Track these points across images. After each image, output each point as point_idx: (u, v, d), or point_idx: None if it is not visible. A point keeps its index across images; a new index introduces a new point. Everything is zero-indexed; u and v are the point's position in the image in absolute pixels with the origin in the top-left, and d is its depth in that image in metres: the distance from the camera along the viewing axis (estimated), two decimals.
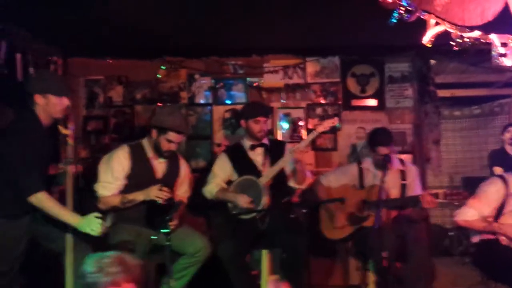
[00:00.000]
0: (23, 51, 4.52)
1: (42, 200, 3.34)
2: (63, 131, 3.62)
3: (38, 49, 4.75)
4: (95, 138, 5.36)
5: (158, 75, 5.39)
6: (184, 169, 4.18)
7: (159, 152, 3.93)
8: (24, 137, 3.40)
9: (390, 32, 3.62)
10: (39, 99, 3.46)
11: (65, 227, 3.50)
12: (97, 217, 3.38)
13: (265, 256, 3.84)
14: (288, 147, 4.34)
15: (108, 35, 4.63)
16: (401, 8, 3.35)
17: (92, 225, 3.36)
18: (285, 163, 4.15)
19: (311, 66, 5.41)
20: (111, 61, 5.32)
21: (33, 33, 4.54)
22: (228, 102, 5.44)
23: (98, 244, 3.72)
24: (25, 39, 4.52)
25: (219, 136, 5.40)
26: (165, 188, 3.80)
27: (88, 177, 4.04)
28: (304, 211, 3.89)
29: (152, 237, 3.58)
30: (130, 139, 4.16)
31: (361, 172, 4.30)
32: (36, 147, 3.46)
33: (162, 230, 3.38)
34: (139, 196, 3.82)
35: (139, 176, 3.92)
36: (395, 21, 3.38)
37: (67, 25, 4.33)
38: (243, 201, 4.08)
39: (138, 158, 3.94)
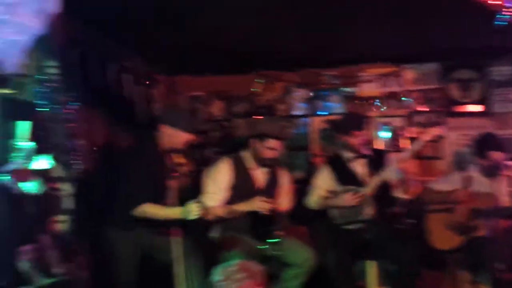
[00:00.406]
0: (131, 71, 4.80)
1: (148, 211, 3.55)
2: (179, 160, 3.78)
3: (144, 69, 5.03)
4: (198, 152, 5.56)
5: (255, 89, 5.51)
6: (285, 178, 4.24)
7: (259, 161, 4.02)
8: (145, 159, 3.60)
9: (493, 34, 3.49)
10: (165, 129, 3.66)
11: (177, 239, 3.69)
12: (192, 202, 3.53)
13: (371, 267, 3.79)
14: (391, 156, 4.28)
15: (207, 53, 4.82)
16: (506, 9, 3.23)
17: (193, 210, 3.51)
18: (389, 172, 4.09)
19: (409, 73, 5.30)
20: (211, 77, 5.52)
21: (140, 54, 4.82)
22: (324, 113, 5.45)
23: (208, 254, 3.87)
24: (132, 59, 4.81)
25: (316, 147, 5.42)
26: (266, 199, 3.88)
27: (191, 189, 4.21)
28: (411, 221, 3.81)
29: (259, 247, 3.64)
30: (231, 152, 4.28)
31: (467, 180, 4.14)
32: (152, 168, 3.67)
33: (270, 240, 3.45)
34: (242, 207, 3.93)
35: (241, 186, 4.02)
36: (500, 23, 3.26)
37: (171, 46, 4.56)
38: (349, 199, 4.05)
39: (239, 169, 4.05)
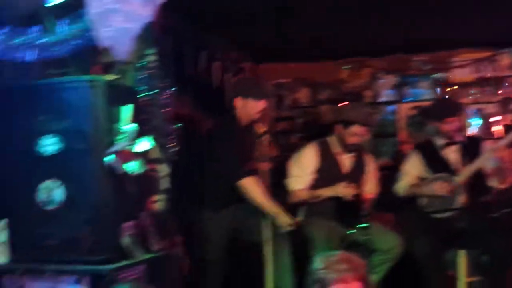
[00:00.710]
0: (220, 59, 4.93)
1: (251, 184, 3.66)
2: (261, 129, 3.92)
3: (231, 57, 5.14)
4: (283, 138, 5.63)
5: (341, 76, 5.49)
6: (371, 165, 4.21)
7: (345, 147, 4.02)
8: (229, 135, 3.77)
9: None
10: (239, 102, 3.80)
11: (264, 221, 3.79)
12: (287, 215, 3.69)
13: (462, 257, 3.70)
14: (486, 144, 4.13)
15: (293, 41, 4.85)
16: None
17: (285, 221, 3.67)
18: (485, 161, 3.95)
19: (505, 58, 5.07)
20: (297, 64, 5.55)
21: (228, 42, 4.93)
22: (413, 99, 5.33)
23: (293, 237, 3.93)
24: (221, 48, 4.93)
25: (404, 133, 5.32)
26: (352, 184, 3.89)
27: (277, 174, 4.28)
28: (506, 211, 3.67)
29: (348, 232, 3.66)
30: (316, 138, 4.31)
31: None
32: (239, 145, 3.81)
33: (357, 226, 3.46)
34: (327, 192, 3.96)
35: (327, 171, 4.05)
36: None
37: (258, 34, 4.63)
38: (439, 188, 3.95)
39: (325, 154, 4.08)
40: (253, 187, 3.69)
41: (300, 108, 5.61)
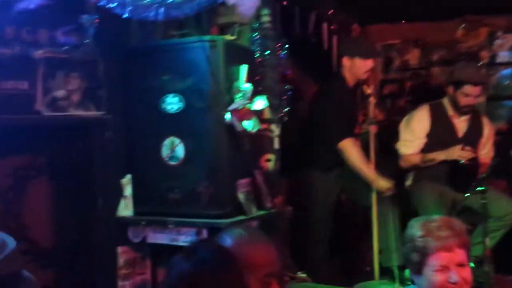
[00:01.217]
0: (328, 21, 4.86)
1: (349, 146, 3.68)
2: (368, 90, 3.88)
3: (340, 19, 5.05)
4: (390, 101, 5.50)
5: (455, 36, 5.22)
6: (487, 129, 4.03)
7: (458, 109, 3.87)
8: (336, 96, 3.77)
9: None
10: (346, 61, 3.78)
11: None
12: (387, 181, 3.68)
13: None
14: None
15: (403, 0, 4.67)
16: None
17: (383, 185, 3.66)
18: None
19: None
20: (407, 25, 5.35)
21: (336, 3, 4.84)
22: None
23: (401, 201, 3.89)
24: (330, 9, 4.86)
25: None
26: (468, 148, 3.75)
27: (383, 139, 4.21)
28: None
29: (463, 196, 3.55)
30: (426, 102, 4.16)
31: None
32: (346, 107, 3.80)
33: (471, 191, 3.35)
34: (440, 155, 3.84)
35: (440, 135, 3.93)
36: None
37: None
38: None
39: (438, 116, 3.96)
40: (352, 150, 3.68)
41: (409, 70, 5.43)
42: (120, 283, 2.93)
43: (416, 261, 1.95)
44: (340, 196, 4.18)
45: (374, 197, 3.79)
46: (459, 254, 1.90)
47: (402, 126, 4.07)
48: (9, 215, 3.49)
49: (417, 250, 1.94)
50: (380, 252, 3.81)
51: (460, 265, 1.90)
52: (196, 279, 1.53)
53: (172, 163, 2.77)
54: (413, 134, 3.97)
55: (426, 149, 3.94)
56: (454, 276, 1.88)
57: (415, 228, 1.97)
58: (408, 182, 4.08)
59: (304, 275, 3.51)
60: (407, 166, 3.99)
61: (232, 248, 1.67)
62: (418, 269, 1.95)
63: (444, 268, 1.89)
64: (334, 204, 4.02)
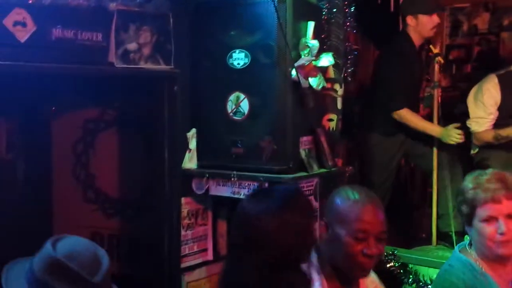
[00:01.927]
0: None
1: (405, 116, 3.63)
2: (434, 50, 3.77)
3: None
4: (456, 67, 5.34)
5: None
6: None
7: None
8: (400, 59, 3.70)
9: None
10: (410, 20, 3.70)
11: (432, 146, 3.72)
12: (456, 127, 3.59)
13: None
14: None
15: None
16: None
17: (452, 135, 3.57)
18: None
19: None
20: None
21: None
22: None
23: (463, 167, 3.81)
24: None
25: None
26: None
27: (447, 106, 4.11)
28: None
29: None
30: (494, 69, 4.00)
31: None
32: (411, 69, 3.73)
33: None
34: None
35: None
36: None
37: None
38: None
39: (509, 87, 3.78)
40: (409, 117, 3.64)
41: (478, 35, 5.23)
42: (183, 233, 3.04)
43: (466, 213, 2.05)
44: (401, 161, 4.15)
45: (435, 161, 3.74)
46: (508, 206, 1.96)
47: (471, 100, 3.86)
48: (79, 166, 3.68)
49: (467, 202, 2.03)
50: (439, 217, 3.78)
51: (509, 216, 1.97)
52: (263, 216, 1.61)
53: (237, 118, 2.83)
54: (484, 110, 3.75)
55: (497, 123, 3.77)
56: (502, 226, 1.96)
57: (467, 181, 2.07)
58: (473, 150, 3.98)
59: None
60: (480, 143, 3.85)
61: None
62: (468, 221, 2.05)
63: (493, 219, 1.98)
64: (396, 170, 4.00)
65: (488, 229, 1.98)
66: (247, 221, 1.65)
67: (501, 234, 1.96)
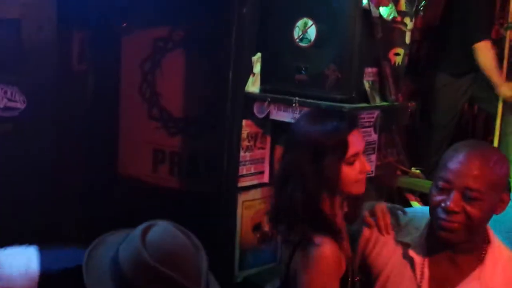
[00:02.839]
0: None
1: (484, 48, 3.53)
2: None
3: None
4: None
5: None
6: None
7: None
8: None
9: None
10: None
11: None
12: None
13: None
14: None
15: None
16: None
17: (506, 93, 3.53)
18: None
19: None
20: None
21: None
22: None
23: None
24: None
25: None
26: None
27: None
28: None
29: None
30: None
31: None
32: (485, 5, 3.60)
33: None
34: None
35: None
36: None
37: None
38: None
39: None
40: (488, 53, 3.52)
41: None
42: (241, 154, 3.14)
43: None
44: (469, 102, 4.08)
45: (500, 106, 3.65)
46: None
47: None
48: (146, 83, 3.81)
49: None
50: None
51: None
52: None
53: (303, 44, 2.83)
54: None
55: None
56: None
57: None
58: None
59: (418, 171, 3.53)
60: None
61: None
62: None
63: None
64: (460, 112, 3.94)
65: None
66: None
67: None
